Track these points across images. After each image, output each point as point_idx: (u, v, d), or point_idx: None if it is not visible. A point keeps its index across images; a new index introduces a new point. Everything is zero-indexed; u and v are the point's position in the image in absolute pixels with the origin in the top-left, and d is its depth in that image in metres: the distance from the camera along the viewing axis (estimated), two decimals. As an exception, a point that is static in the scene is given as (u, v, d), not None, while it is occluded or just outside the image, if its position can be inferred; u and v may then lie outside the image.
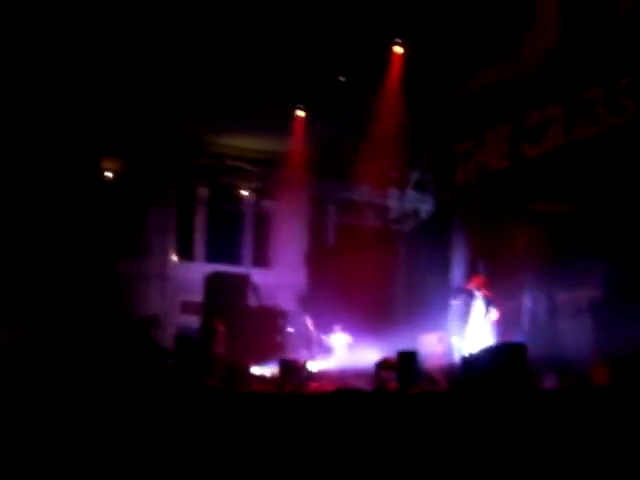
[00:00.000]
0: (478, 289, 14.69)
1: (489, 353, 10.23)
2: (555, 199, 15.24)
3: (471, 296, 14.95)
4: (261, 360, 16.19)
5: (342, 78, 16.79)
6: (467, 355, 12.16)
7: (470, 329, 14.70)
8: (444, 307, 16.35)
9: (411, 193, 20.30)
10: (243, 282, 19.64)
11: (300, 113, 18.47)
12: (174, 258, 21.08)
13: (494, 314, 14.29)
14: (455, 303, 15.84)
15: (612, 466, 4.87)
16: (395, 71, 16.40)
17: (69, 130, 17.34)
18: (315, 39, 14.83)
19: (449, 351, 15.19)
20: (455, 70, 15.98)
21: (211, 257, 21.63)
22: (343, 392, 5.95)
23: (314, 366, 16.00)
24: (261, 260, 22.32)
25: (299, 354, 16.90)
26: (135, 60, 15.46)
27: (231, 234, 22.21)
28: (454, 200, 18.41)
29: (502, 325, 14.42)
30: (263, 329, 18.78)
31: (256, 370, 16.07)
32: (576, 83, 14.29)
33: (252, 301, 19.74)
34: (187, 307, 20.15)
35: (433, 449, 5.37)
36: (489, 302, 14.42)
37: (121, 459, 5.65)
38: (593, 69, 13.89)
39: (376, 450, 5.40)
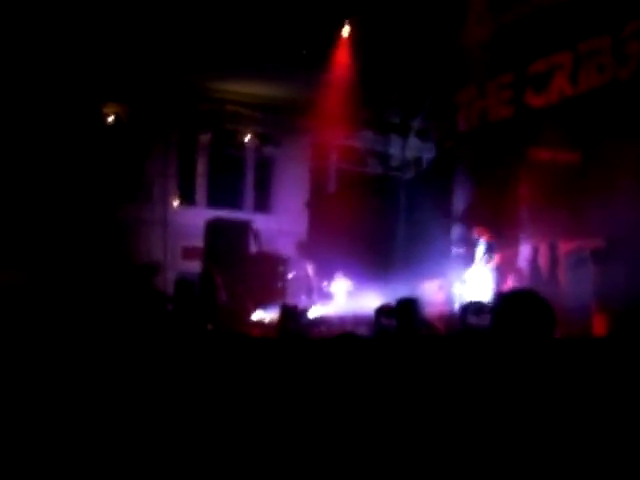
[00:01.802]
0: (481, 236, 14.71)
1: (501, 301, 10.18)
2: (559, 147, 15.19)
3: (473, 243, 14.98)
4: (261, 306, 16.25)
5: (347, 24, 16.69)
6: (466, 303, 12.19)
7: (471, 276, 14.73)
8: (445, 255, 16.40)
9: (413, 140, 20.27)
10: (244, 228, 19.62)
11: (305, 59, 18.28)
12: (175, 203, 21.04)
13: (493, 260, 14.33)
14: (457, 250, 15.87)
15: (608, 414, 4.87)
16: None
17: (71, 74, 17.22)
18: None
19: (450, 299, 15.25)
20: (460, 16, 15.85)
21: (212, 202, 21.58)
22: (343, 337, 5.95)
23: (314, 312, 16.06)
24: (262, 206, 22.28)
25: (299, 300, 16.96)
26: (138, 3, 15.30)
27: (233, 180, 22.13)
28: (456, 148, 18.36)
29: (502, 272, 14.46)
30: (264, 275, 18.85)
31: (256, 316, 16.13)
32: (583, 31, 14.17)
33: (253, 247, 19.76)
34: (188, 253, 20.14)
35: (434, 396, 5.37)
36: (491, 248, 14.46)
37: (121, 403, 5.65)
38: (602, 16, 13.75)
39: (374, 395, 5.40)
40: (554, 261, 14.85)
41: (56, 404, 5.54)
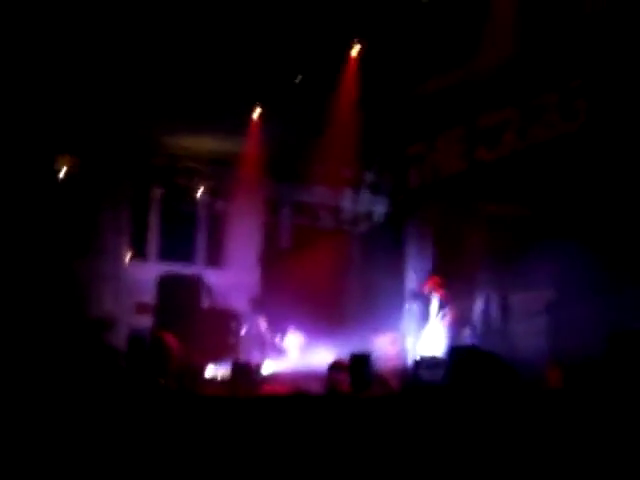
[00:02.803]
0: (433, 290, 14.74)
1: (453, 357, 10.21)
2: (509, 202, 15.32)
3: (426, 298, 15.00)
4: (214, 362, 16.09)
5: (298, 78, 16.72)
6: (419, 358, 12.20)
7: (425, 331, 14.74)
8: (398, 309, 16.41)
9: (365, 194, 20.33)
10: (196, 283, 19.53)
11: (255, 113, 18.35)
12: (127, 258, 20.88)
13: (448, 316, 14.35)
14: (410, 305, 15.89)
15: (561, 467, 4.87)
16: (350, 72, 16.36)
17: (23, 126, 17.12)
18: (270, 40, 14.76)
19: (402, 353, 15.23)
20: (410, 72, 15.97)
21: (165, 257, 21.45)
22: (294, 396, 5.92)
23: (267, 368, 15.94)
24: (214, 260, 22.16)
25: (252, 356, 16.85)
26: (91, 58, 15.29)
27: (185, 234, 22.03)
28: (408, 202, 18.44)
29: (456, 327, 14.48)
30: (216, 330, 18.69)
31: (209, 372, 15.96)
32: (531, 88, 14.34)
33: (205, 302, 19.65)
34: (141, 308, 19.96)
35: (383, 453, 5.34)
36: (444, 303, 14.48)
37: (72, 460, 5.57)
38: (548, 74, 13.93)
39: (324, 455, 5.36)
40: (506, 314, 14.91)
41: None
